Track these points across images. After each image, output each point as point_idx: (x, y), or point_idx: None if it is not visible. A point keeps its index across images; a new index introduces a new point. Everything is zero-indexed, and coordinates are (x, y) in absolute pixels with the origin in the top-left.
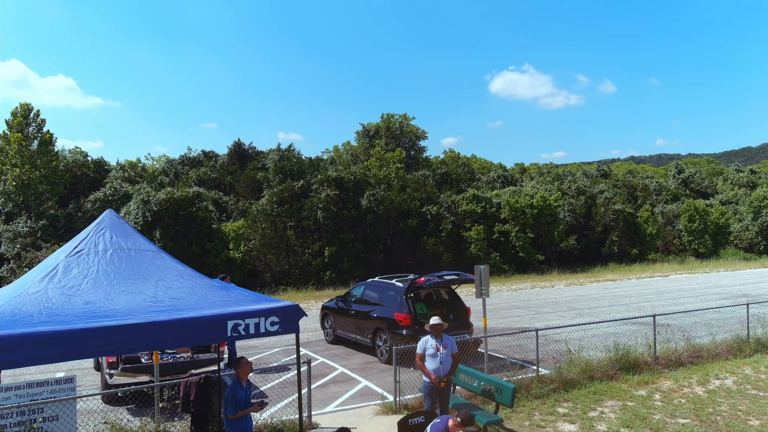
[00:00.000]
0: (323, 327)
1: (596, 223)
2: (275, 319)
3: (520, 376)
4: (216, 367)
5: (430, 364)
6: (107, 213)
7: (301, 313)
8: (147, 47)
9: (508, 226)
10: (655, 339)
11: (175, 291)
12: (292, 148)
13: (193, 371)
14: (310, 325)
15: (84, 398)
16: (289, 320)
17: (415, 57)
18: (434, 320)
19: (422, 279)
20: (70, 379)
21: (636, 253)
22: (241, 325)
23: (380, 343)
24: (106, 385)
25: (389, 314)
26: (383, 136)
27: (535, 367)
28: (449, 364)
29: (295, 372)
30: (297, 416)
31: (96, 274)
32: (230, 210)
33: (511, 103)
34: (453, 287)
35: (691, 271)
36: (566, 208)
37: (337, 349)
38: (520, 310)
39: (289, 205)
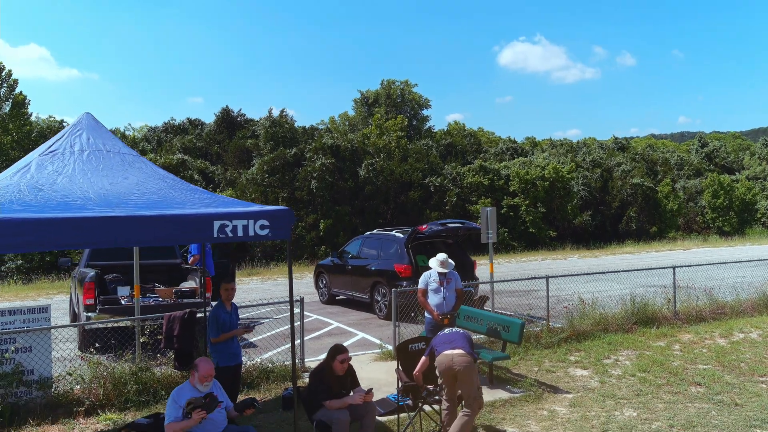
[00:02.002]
0: (317, 287)
1: (613, 197)
2: (265, 222)
3: (530, 329)
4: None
5: (433, 300)
6: (84, 115)
7: (293, 218)
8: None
9: (518, 199)
10: (674, 292)
11: (157, 190)
12: (284, 113)
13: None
14: (303, 289)
15: (59, 345)
16: (280, 224)
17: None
18: (439, 256)
19: (424, 227)
20: (44, 308)
21: (655, 231)
22: (228, 226)
23: (378, 298)
24: (83, 331)
25: (388, 266)
26: (383, 104)
27: (545, 321)
28: (453, 300)
29: (286, 327)
30: (288, 362)
31: (72, 173)
32: (218, 180)
33: (522, 77)
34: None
35: (715, 246)
36: (580, 182)
37: (333, 308)
38: (528, 281)
39: (281, 175)
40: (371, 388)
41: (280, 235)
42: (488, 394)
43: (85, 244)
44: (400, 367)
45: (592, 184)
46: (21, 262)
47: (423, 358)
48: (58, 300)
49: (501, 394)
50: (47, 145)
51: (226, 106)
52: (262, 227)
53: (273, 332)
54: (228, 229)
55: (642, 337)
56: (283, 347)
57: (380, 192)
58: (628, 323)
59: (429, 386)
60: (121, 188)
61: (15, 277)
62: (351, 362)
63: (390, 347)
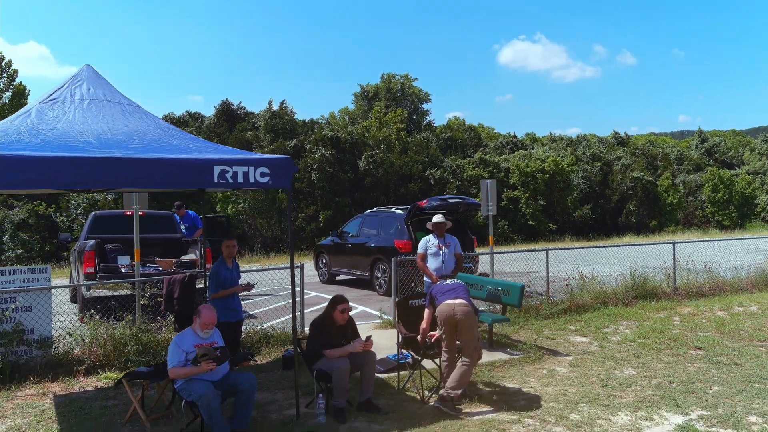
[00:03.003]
0: (317, 267)
1: (612, 191)
2: (265, 170)
3: (529, 302)
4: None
5: (432, 264)
6: (84, 67)
7: (294, 167)
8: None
9: (518, 192)
10: (674, 267)
11: (157, 138)
12: (284, 105)
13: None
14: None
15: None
16: (280, 173)
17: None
18: (437, 218)
19: (424, 202)
20: (44, 269)
21: (655, 225)
22: (228, 172)
23: (378, 275)
24: (83, 301)
25: (389, 242)
26: (383, 97)
27: (544, 296)
28: (452, 264)
29: (285, 302)
30: (288, 329)
31: (72, 119)
32: None
33: (522, 76)
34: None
35: (715, 237)
36: (580, 175)
37: (333, 287)
38: (528, 262)
39: None
40: (370, 336)
41: (280, 183)
42: (488, 356)
43: (84, 184)
44: (399, 322)
45: (592, 177)
46: (21, 251)
47: (426, 310)
48: (57, 284)
49: (500, 356)
50: (47, 94)
51: (226, 99)
52: (263, 174)
53: (272, 306)
54: (228, 175)
55: (642, 310)
56: (282, 318)
57: (380, 184)
58: (628, 297)
59: (431, 333)
60: (121, 135)
61: (15, 266)
62: None
63: (389, 317)
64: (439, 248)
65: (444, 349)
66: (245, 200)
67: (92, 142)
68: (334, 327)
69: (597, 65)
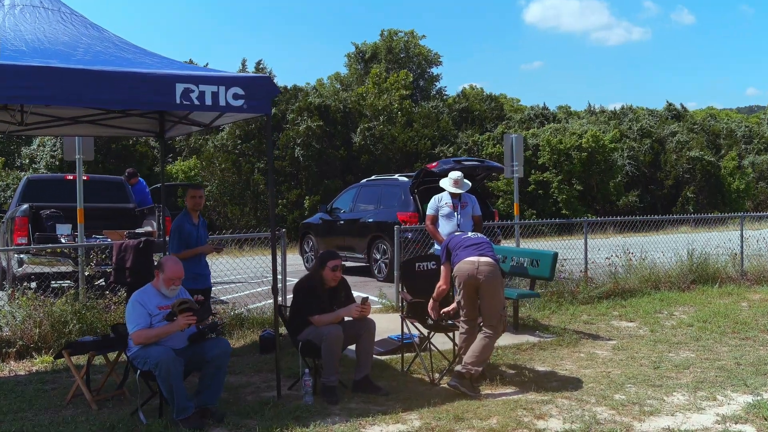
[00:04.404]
0: (302, 251)
1: (666, 174)
2: (239, 91)
3: (563, 285)
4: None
5: (445, 227)
6: None
7: (275, 89)
8: None
9: (549, 174)
10: (742, 247)
11: (105, 51)
12: (261, 66)
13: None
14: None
15: None
16: (257, 94)
17: None
18: (454, 173)
19: (434, 164)
20: None
21: (718, 215)
22: (193, 91)
23: (378, 256)
24: (13, 278)
25: (390, 216)
26: (383, 59)
27: (581, 279)
28: (469, 228)
29: (260, 289)
30: (267, 313)
31: (2, 30)
32: (178, 147)
33: (554, 39)
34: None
35: None
36: (626, 154)
37: None
38: (562, 249)
39: (258, 140)
40: (367, 297)
41: (257, 107)
42: (512, 338)
43: (24, 99)
44: (404, 288)
45: (640, 157)
46: None
47: (442, 267)
48: None
49: (528, 338)
50: None
51: (190, 60)
52: (236, 96)
53: (246, 292)
54: (193, 96)
55: (702, 296)
56: (258, 304)
57: (379, 163)
58: (685, 282)
59: (444, 310)
60: (62, 45)
61: None
62: None
63: (391, 302)
64: (454, 209)
65: (462, 318)
66: (213, 183)
67: (25, 51)
68: (324, 289)
69: (646, 25)
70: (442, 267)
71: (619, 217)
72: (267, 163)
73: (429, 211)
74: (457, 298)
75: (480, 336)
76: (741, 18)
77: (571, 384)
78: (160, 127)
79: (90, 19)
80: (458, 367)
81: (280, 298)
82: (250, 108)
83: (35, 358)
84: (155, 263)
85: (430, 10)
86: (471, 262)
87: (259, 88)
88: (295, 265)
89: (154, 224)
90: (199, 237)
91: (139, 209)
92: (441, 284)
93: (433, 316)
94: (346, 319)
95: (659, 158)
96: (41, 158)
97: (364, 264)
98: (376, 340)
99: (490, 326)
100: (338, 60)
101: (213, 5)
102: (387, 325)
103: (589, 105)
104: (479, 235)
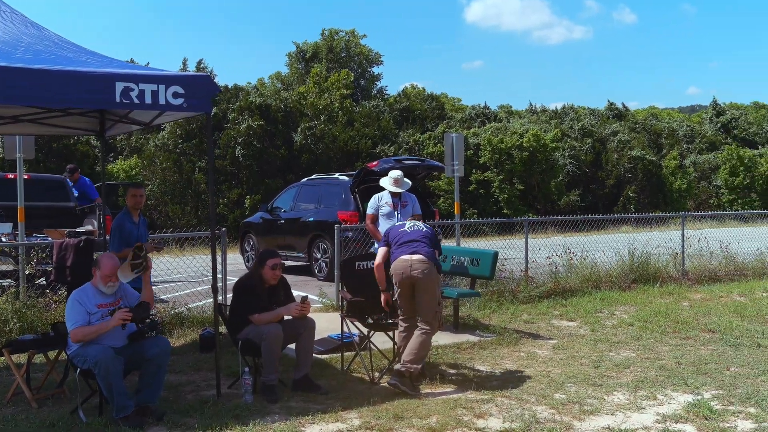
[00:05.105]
0: (243, 251)
1: (607, 173)
2: (179, 89)
3: (502, 285)
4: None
5: (385, 227)
6: None
7: (215, 87)
8: None
9: (490, 173)
10: (683, 246)
11: (46, 49)
12: (203, 65)
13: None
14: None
15: None
16: (197, 93)
17: None
18: (394, 173)
19: (374, 164)
20: None
21: (659, 214)
22: (133, 90)
23: (318, 255)
24: None
25: (330, 215)
26: (324, 58)
27: (522, 279)
28: None
29: (201, 288)
30: (207, 312)
31: None
32: (119, 146)
33: (495, 38)
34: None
35: (733, 227)
36: (567, 153)
37: None
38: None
39: (199, 140)
40: (306, 296)
41: (197, 106)
42: (452, 338)
43: None
44: (344, 287)
45: (581, 156)
46: None
47: (382, 249)
48: None
49: (468, 338)
50: None
51: (131, 59)
52: (176, 95)
53: (186, 291)
54: (133, 94)
55: (642, 295)
56: (198, 303)
57: (320, 162)
58: (626, 281)
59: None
60: (2, 44)
61: None
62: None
63: (331, 301)
64: (394, 208)
65: (401, 317)
66: (154, 182)
67: None
68: (264, 288)
69: (588, 24)
70: (380, 249)
71: (560, 217)
72: (208, 163)
73: (369, 210)
74: (395, 296)
75: (416, 333)
76: (683, 17)
77: (511, 383)
78: (101, 126)
79: (30, 18)
80: (398, 366)
81: (220, 297)
82: (191, 107)
83: None
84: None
85: (372, 9)
86: (404, 260)
87: (199, 86)
88: (236, 264)
89: (95, 223)
90: (139, 236)
91: (80, 207)
92: (377, 262)
93: (388, 302)
94: (286, 318)
95: (600, 158)
96: None
97: (304, 263)
98: (316, 339)
99: (425, 323)
100: (279, 59)
101: (154, 4)
102: (327, 324)
103: (531, 104)
104: (418, 226)
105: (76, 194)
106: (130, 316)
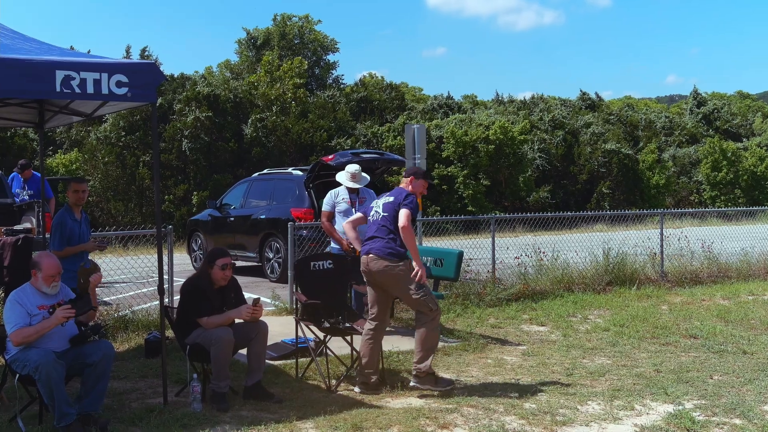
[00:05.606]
0: (190, 250)
1: (579, 168)
2: (122, 78)
3: (468, 287)
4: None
5: (342, 225)
6: None
7: (160, 76)
8: None
9: (454, 168)
10: (662, 246)
11: None
12: (147, 54)
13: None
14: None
15: None
16: (141, 82)
17: None
18: (351, 167)
19: (330, 157)
20: None
21: (636, 212)
22: (74, 79)
23: (271, 255)
24: None
25: (284, 213)
26: (276, 46)
27: (489, 281)
28: (366, 226)
29: (147, 289)
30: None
31: None
32: (59, 138)
33: (458, 23)
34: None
35: (715, 226)
36: (536, 147)
37: None
38: (468, 249)
39: (143, 132)
40: (258, 298)
41: (142, 96)
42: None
43: None
44: (298, 289)
45: (551, 150)
46: None
47: (359, 214)
48: None
49: None
50: None
51: (71, 47)
52: (119, 84)
53: (131, 293)
54: (74, 83)
55: (618, 298)
56: (143, 305)
57: (272, 156)
58: (600, 283)
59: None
60: None
61: None
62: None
63: (285, 303)
64: (352, 204)
65: (370, 316)
66: (95, 177)
67: None
68: (213, 289)
69: (559, 8)
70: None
71: (529, 214)
72: (153, 156)
73: (325, 207)
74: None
75: (419, 330)
76: (660, 0)
77: (478, 391)
78: (40, 117)
79: None
80: (413, 371)
81: (166, 299)
82: (135, 96)
83: None
84: None
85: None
86: (363, 260)
87: (143, 75)
88: (183, 264)
89: (34, 220)
90: (81, 234)
91: (17, 205)
92: (347, 223)
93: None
94: (237, 321)
95: (572, 151)
96: None
97: (256, 263)
98: (268, 344)
99: (418, 313)
100: (228, 47)
101: None
102: (280, 328)
103: (497, 94)
104: (378, 214)
105: (28, 193)
106: (74, 313)
